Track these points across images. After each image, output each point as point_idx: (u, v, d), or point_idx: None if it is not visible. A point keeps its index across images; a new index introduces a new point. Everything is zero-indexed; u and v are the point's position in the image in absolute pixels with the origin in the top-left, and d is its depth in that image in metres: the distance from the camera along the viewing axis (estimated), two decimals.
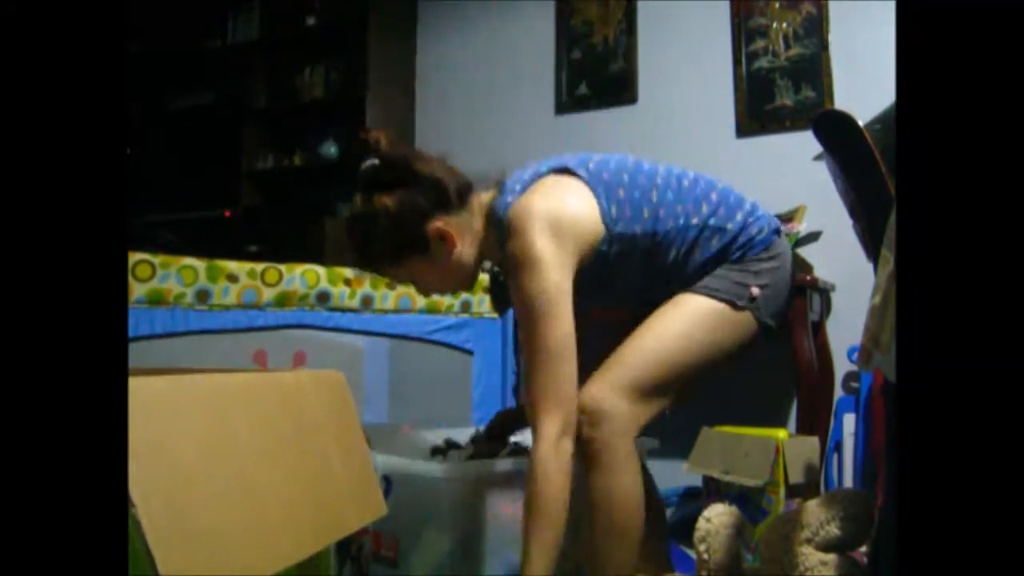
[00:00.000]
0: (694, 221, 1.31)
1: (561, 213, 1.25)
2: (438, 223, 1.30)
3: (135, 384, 0.68)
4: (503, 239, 1.28)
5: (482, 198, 1.36)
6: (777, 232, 1.36)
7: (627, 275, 1.34)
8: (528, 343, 1.22)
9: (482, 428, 1.83)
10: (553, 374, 1.19)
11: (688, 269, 1.33)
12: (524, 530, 1.18)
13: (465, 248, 1.33)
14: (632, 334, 1.30)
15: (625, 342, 1.29)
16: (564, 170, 1.32)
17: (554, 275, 1.21)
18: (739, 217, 1.33)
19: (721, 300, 1.30)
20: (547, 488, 1.17)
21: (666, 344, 1.28)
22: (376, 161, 1.31)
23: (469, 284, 1.41)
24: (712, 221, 1.32)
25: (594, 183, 1.30)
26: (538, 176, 1.32)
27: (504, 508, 1.48)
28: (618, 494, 1.24)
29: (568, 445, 1.19)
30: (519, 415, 1.65)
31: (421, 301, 2.02)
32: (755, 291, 1.31)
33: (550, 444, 1.17)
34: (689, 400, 1.37)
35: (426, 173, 1.30)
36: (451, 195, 1.30)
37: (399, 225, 1.28)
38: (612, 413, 1.23)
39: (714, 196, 1.34)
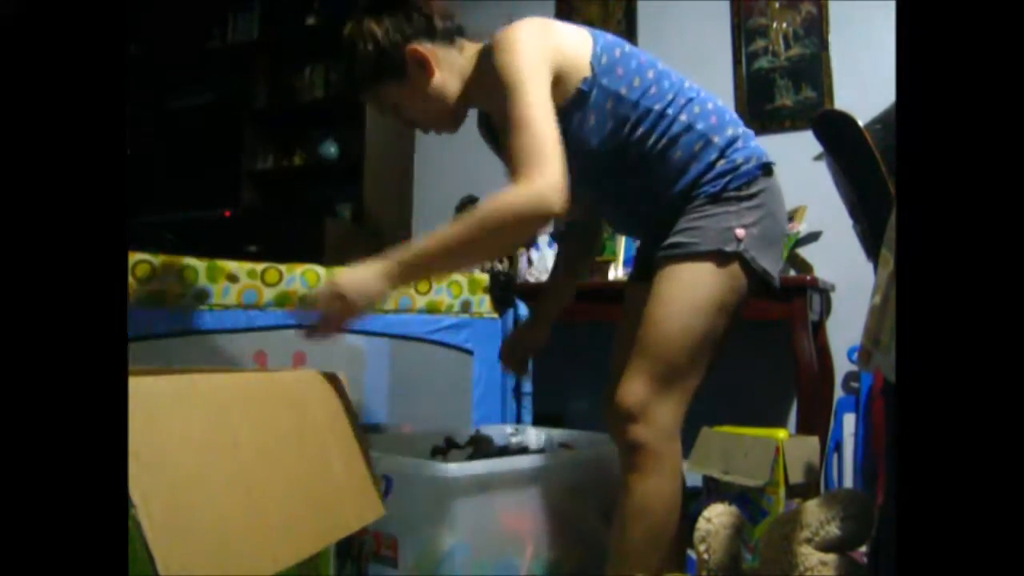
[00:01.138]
0: (682, 117, 1.28)
1: (550, 27, 1.25)
2: (417, 47, 1.29)
3: (135, 384, 0.68)
4: (490, 54, 1.25)
5: (477, 45, 1.35)
6: (764, 169, 1.30)
7: (600, 143, 1.29)
8: (510, 111, 1.16)
9: (481, 429, 1.83)
10: (534, 132, 1.12)
11: (664, 168, 1.29)
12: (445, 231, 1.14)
13: (447, 80, 1.32)
14: (642, 322, 1.26)
15: (640, 332, 1.26)
16: None
17: (532, 57, 1.19)
18: (729, 132, 1.29)
19: (708, 256, 1.24)
20: (500, 215, 1.10)
21: (677, 319, 1.23)
22: None
23: (451, 122, 1.38)
24: (700, 126, 1.28)
25: (595, 33, 1.30)
26: None
27: (505, 508, 1.48)
28: (662, 499, 1.23)
29: (552, 202, 1.10)
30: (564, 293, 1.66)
31: (421, 301, 2.02)
32: (740, 232, 1.25)
33: (529, 189, 1.09)
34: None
35: (415, 1, 1.31)
36: (436, 24, 1.31)
37: (379, 46, 1.29)
38: (657, 415, 1.22)
39: (710, 105, 1.32)
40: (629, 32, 3.11)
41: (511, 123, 1.15)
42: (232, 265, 1.77)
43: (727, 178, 1.27)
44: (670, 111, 1.28)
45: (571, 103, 1.25)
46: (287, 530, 0.88)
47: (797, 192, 2.62)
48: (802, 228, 2.58)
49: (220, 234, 3.47)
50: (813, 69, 2.76)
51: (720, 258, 1.25)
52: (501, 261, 2.88)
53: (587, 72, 1.25)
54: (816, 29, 2.77)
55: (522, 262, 2.93)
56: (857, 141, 1.17)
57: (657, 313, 1.25)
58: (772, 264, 1.31)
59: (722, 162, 1.28)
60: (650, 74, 1.29)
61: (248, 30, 3.89)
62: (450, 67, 1.32)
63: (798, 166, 2.46)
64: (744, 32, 2.89)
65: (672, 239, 1.28)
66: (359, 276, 1.16)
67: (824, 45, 2.75)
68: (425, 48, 1.30)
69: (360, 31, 1.30)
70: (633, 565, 1.24)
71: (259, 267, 1.81)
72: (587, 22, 3.19)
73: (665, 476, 1.23)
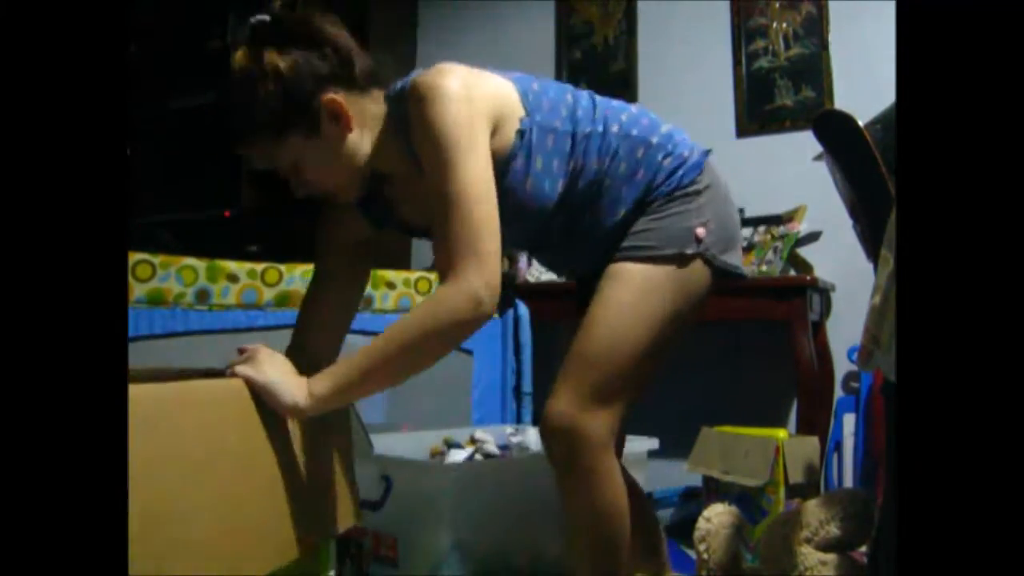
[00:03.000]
0: (614, 129, 1.18)
1: (476, 76, 1.10)
2: (335, 95, 1.08)
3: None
4: (405, 105, 1.08)
5: (385, 92, 1.16)
6: (706, 155, 1.22)
7: (553, 185, 1.16)
8: (439, 186, 1.02)
9: (480, 430, 1.83)
10: (471, 219, 1.00)
11: (612, 188, 1.18)
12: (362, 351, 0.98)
13: (362, 138, 1.12)
14: (583, 325, 1.15)
15: (578, 336, 1.15)
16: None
17: (465, 109, 1.03)
18: (664, 130, 1.21)
19: (666, 259, 1.15)
20: (425, 325, 0.98)
21: (623, 329, 1.13)
22: (267, 16, 1.09)
23: (355, 188, 1.19)
24: (635, 132, 1.18)
25: (506, 74, 1.17)
26: None
27: (504, 508, 1.48)
28: (602, 510, 1.14)
29: (488, 306, 0.99)
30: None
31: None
32: (700, 231, 1.16)
33: (463, 292, 0.97)
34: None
35: (331, 36, 1.09)
36: (356, 68, 1.10)
37: (287, 90, 1.05)
38: (586, 431, 1.10)
39: (634, 109, 1.23)
40: (629, 32, 3.11)
41: (443, 199, 1.01)
42: (232, 265, 1.77)
43: (679, 173, 1.18)
44: (601, 128, 1.18)
45: (513, 148, 1.12)
46: (271, 535, 0.90)
47: (797, 192, 2.63)
48: (802, 228, 2.58)
49: (220, 234, 3.47)
50: (813, 69, 2.76)
51: (680, 261, 1.16)
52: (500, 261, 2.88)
53: (522, 112, 1.13)
54: (816, 29, 2.77)
55: (522, 262, 2.93)
56: (857, 141, 1.17)
57: (599, 317, 1.14)
58: (734, 255, 1.23)
59: (669, 160, 1.19)
60: (568, 98, 1.19)
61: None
62: (363, 121, 1.12)
63: (798, 166, 2.46)
64: (744, 32, 2.89)
65: (629, 242, 1.18)
66: (285, 385, 0.97)
67: (824, 45, 2.75)
68: (343, 97, 1.09)
69: (261, 66, 1.06)
70: (594, 573, 1.18)
71: (259, 267, 1.81)
72: (587, 22, 3.19)
73: (602, 488, 1.13)
